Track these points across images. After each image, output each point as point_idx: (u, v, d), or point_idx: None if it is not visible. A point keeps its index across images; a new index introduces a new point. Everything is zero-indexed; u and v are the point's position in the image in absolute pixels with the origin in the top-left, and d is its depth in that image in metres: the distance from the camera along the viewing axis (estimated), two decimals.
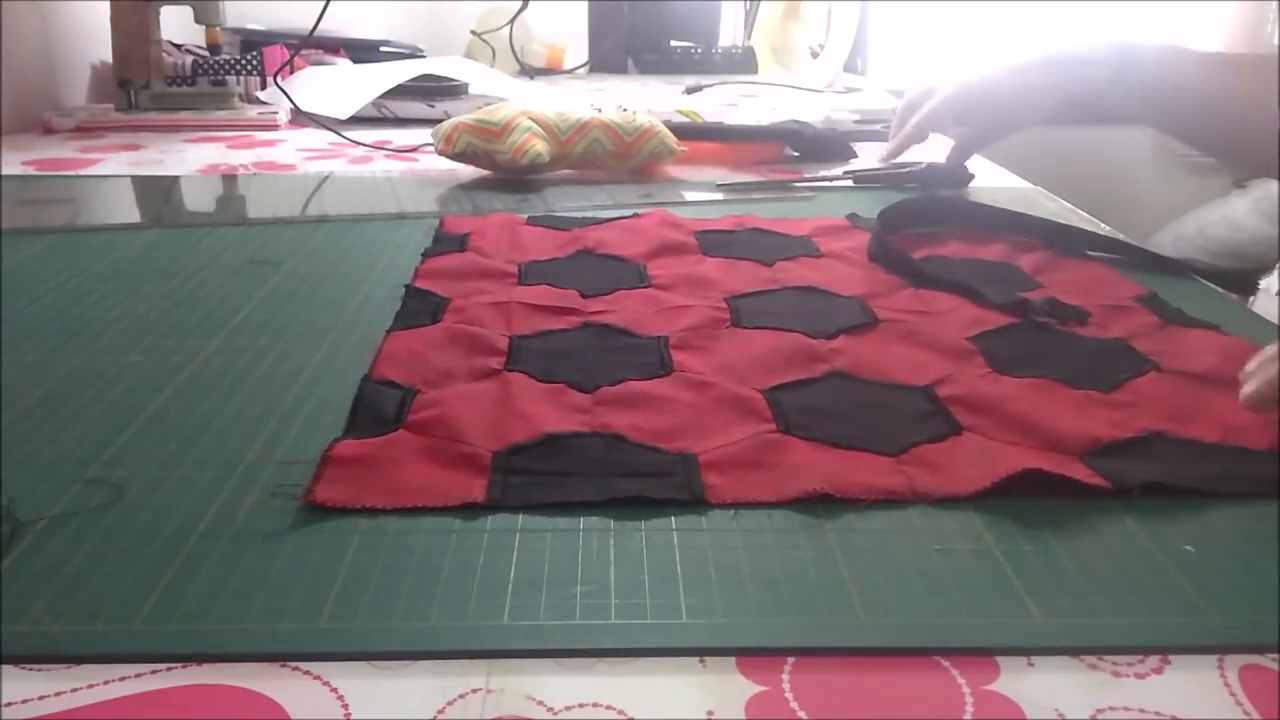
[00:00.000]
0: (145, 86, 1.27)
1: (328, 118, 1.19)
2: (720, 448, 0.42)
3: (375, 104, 1.25)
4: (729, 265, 0.67)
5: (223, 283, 0.65)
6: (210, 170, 1.01)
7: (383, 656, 0.31)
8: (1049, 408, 0.46)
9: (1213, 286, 0.67)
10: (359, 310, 0.60)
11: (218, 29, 1.30)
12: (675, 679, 0.30)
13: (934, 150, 1.02)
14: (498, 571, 0.35)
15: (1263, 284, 0.89)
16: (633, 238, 0.72)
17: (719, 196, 0.90)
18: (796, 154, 1.06)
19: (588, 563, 0.36)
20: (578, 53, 1.92)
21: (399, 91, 1.25)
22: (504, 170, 0.92)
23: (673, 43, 1.99)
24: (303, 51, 1.39)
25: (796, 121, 1.10)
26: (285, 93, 1.20)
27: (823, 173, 0.99)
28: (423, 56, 1.52)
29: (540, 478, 0.40)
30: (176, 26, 1.39)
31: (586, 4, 1.92)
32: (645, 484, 0.40)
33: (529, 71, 1.79)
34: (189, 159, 1.06)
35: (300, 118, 1.22)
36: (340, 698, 0.29)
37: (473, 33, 1.82)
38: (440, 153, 0.92)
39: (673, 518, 0.38)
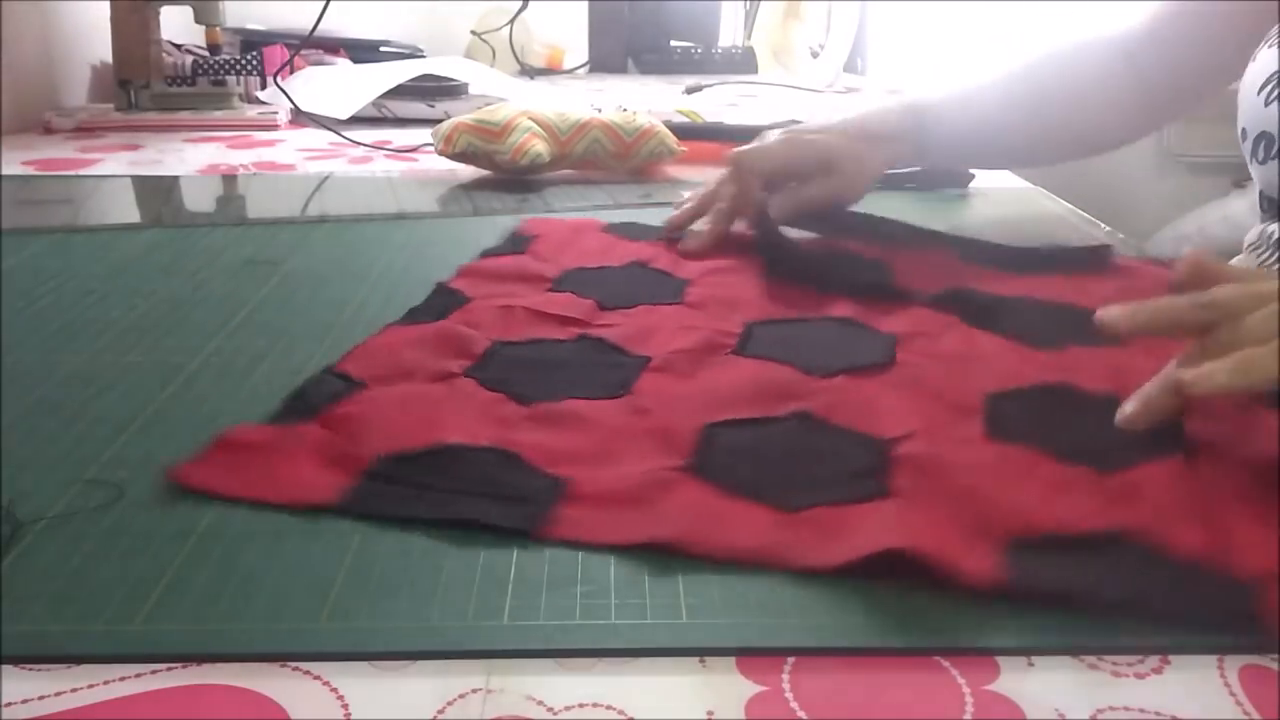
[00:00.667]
0: (145, 86, 1.27)
1: (328, 118, 1.19)
2: (604, 479, 0.41)
3: (375, 104, 1.25)
4: (777, 289, 0.63)
5: (223, 283, 0.65)
6: (210, 170, 1.01)
7: (383, 656, 0.31)
8: (1008, 483, 0.40)
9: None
10: (359, 310, 0.60)
11: (218, 29, 1.30)
12: (675, 679, 0.30)
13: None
14: (498, 571, 0.35)
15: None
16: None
17: None
18: None
19: (588, 562, 0.36)
20: (578, 53, 1.92)
21: (399, 91, 1.25)
22: (504, 170, 0.92)
23: (673, 43, 1.99)
24: (303, 51, 1.39)
25: (796, 122, 1.10)
26: (285, 93, 1.20)
27: None
28: (423, 56, 1.52)
29: (405, 488, 0.40)
30: (176, 26, 1.39)
31: (586, 4, 1.92)
32: (489, 508, 0.38)
33: (529, 71, 1.79)
34: (189, 159, 1.06)
35: (300, 118, 1.22)
36: (340, 698, 0.29)
37: (473, 33, 1.82)
38: (440, 153, 0.92)
39: None
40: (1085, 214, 0.86)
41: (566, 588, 0.34)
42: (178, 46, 1.40)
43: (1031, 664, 0.31)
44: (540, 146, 0.90)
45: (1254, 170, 0.74)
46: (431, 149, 0.95)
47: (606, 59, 1.92)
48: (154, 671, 0.30)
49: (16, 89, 1.21)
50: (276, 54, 1.35)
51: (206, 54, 1.33)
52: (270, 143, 1.16)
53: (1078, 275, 0.66)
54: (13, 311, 0.59)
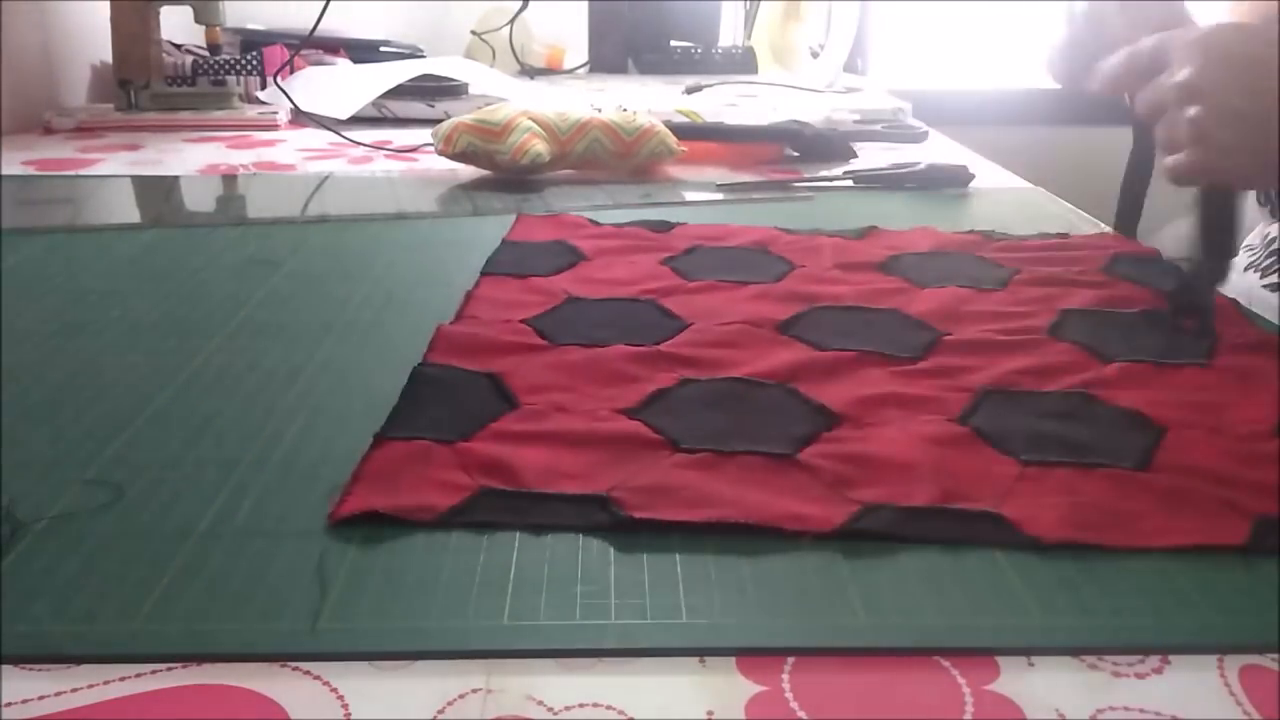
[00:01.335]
0: (145, 86, 1.27)
1: (328, 118, 1.19)
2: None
3: (375, 104, 1.25)
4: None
5: (223, 283, 0.65)
6: (210, 170, 1.01)
7: (383, 656, 0.31)
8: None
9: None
10: (359, 310, 0.60)
11: (218, 29, 1.29)
12: (675, 679, 0.30)
13: (933, 151, 1.02)
14: (498, 571, 0.35)
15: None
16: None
17: (719, 197, 0.90)
18: (796, 154, 1.06)
19: (588, 562, 0.36)
20: (578, 53, 1.92)
21: (399, 91, 1.25)
22: (504, 170, 0.92)
23: (673, 43, 1.98)
24: (303, 51, 1.39)
25: (796, 121, 1.10)
26: (285, 93, 1.20)
27: (823, 173, 0.99)
28: (423, 56, 1.52)
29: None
30: (176, 26, 1.39)
31: (586, 4, 1.92)
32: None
33: (529, 71, 1.79)
34: (189, 159, 1.06)
35: (300, 118, 1.22)
36: (340, 698, 0.29)
37: (473, 33, 1.82)
38: (440, 153, 0.92)
39: None
40: (1085, 214, 0.86)
41: (566, 588, 0.34)
42: (178, 46, 1.40)
43: (1031, 664, 0.31)
44: (540, 146, 0.90)
45: None
46: (431, 149, 0.95)
47: (606, 59, 1.92)
48: (154, 671, 0.30)
49: (16, 89, 1.21)
50: (276, 54, 1.35)
51: (206, 54, 1.33)
52: (270, 143, 1.16)
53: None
54: (13, 311, 0.59)
